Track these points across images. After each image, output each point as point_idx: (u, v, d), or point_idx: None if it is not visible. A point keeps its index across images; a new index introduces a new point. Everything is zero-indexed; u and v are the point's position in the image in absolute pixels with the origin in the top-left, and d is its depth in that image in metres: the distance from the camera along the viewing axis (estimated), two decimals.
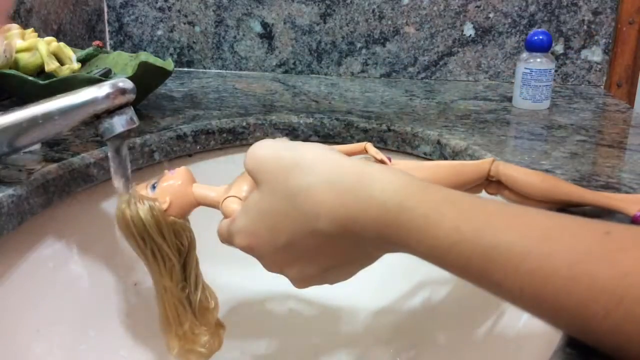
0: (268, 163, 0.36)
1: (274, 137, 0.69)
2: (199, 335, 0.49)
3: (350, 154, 0.44)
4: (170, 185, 0.45)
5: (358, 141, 0.69)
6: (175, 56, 0.99)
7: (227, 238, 0.41)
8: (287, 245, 0.36)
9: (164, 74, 0.68)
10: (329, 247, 0.35)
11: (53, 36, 0.70)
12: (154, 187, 0.45)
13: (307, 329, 0.63)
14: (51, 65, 0.66)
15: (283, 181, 0.35)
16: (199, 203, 0.45)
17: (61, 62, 0.68)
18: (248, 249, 0.39)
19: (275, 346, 0.62)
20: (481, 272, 0.29)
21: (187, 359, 0.49)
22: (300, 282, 0.39)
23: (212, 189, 0.45)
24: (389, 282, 0.64)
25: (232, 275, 0.65)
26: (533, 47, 0.76)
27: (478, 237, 0.29)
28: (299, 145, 0.36)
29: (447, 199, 0.31)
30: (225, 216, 0.42)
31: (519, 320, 0.47)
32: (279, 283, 0.67)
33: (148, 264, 0.46)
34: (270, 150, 0.37)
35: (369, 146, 0.46)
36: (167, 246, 0.45)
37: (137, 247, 0.46)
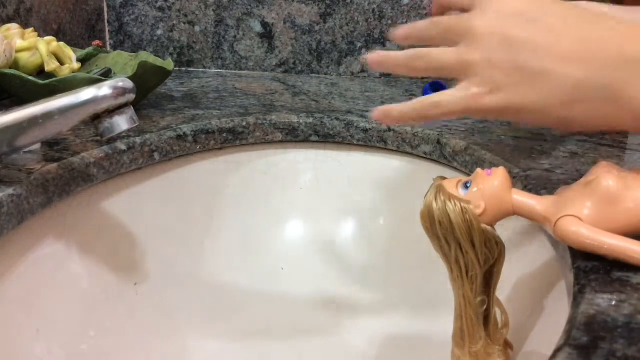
0: None
1: (273, 137, 0.69)
2: (492, 356, 0.44)
3: None
4: (487, 189, 0.39)
5: (358, 141, 0.69)
6: (175, 56, 0.99)
7: None
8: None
9: (164, 73, 0.68)
10: None
11: (53, 36, 0.70)
12: (465, 186, 0.40)
13: (305, 329, 0.63)
14: (51, 65, 0.66)
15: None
16: (516, 213, 0.40)
17: (61, 62, 0.68)
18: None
19: (273, 346, 0.62)
20: None
21: None
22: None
23: (534, 198, 0.40)
24: (389, 276, 0.64)
25: (232, 273, 0.65)
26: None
27: None
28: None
29: None
30: (560, 238, 0.37)
31: (519, 320, 0.47)
32: (278, 281, 0.67)
33: (449, 266, 0.43)
34: None
35: None
36: (474, 255, 0.41)
37: (440, 247, 0.42)
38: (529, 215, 0.39)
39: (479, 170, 0.41)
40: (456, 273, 0.42)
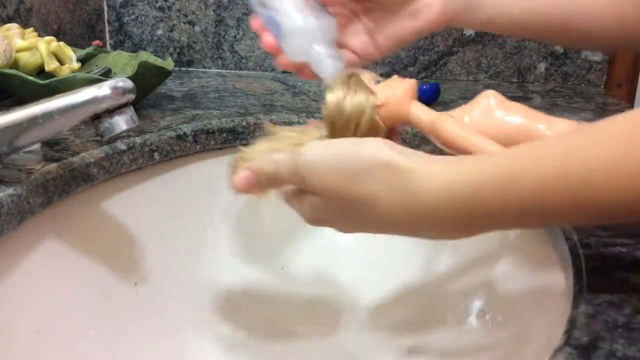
0: (327, 176, 0.36)
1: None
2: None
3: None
4: (393, 88, 0.44)
5: None
6: (175, 56, 0.99)
7: (289, 200, 0.41)
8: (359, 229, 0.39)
9: (163, 73, 0.68)
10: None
11: (53, 36, 0.70)
12: (377, 83, 0.44)
13: (305, 330, 0.63)
14: (51, 64, 0.66)
15: (346, 192, 0.35)
16: (410, 120, 0.44)
17: (61, 62, 0.68)
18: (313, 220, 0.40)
19: (276, 342, 0.62)
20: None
21: None
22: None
23: (427, 111, 0.44)
24: (389, 277, 0.64)
25: (232, 273, 0.65)
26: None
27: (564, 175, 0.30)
28: (353, 149, 0.36)
29: (512, 160, 0.32)
30: (436, 135, 0.42)
31: (519, 320, 0.47)
32: (278, 281, 0.67)
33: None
34: (327, 165, 0.36)
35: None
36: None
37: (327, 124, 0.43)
38: (417, 123, 0.44)
39: (395, 75, 0.45)
40: None
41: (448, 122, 0.41)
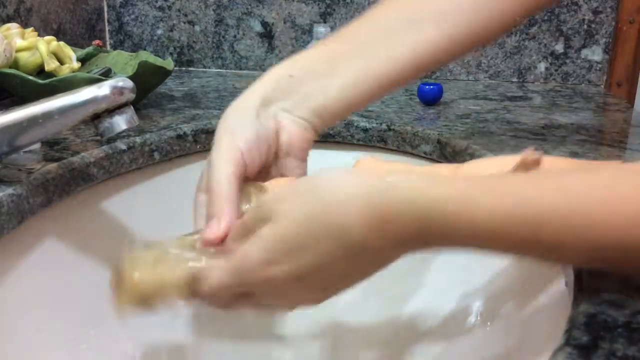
0: (294, 202, 0.35)
1: None
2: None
3: None
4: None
5: (358, 140, 0.69)
6: (175, 55, 0.99)
7: (237, 285, 0.38)
8: (314, 271, 0.35)
9: (163, 73, 0.68)
10: (360, 259, 0.35)
11: (53, 35, 0.70)
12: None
13: (304, 330, 0.63)
14: (51, 64, 0.66)
15: (302, 205, 0.34)
16: None
17: (61, 62, 0.68)
18: (266, 285, 0.36)
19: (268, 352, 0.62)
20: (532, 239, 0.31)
21: None
22: (317, 301, 0.39)
23: None
24: (386, 282, 0.64)
25: None
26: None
27: (521, 212, 0.30)
28: (315, 175, 0.36)
29: (478, 186, 0.32)
30: None
31: (519, 320, 0.47)
32: None
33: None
34: (294, 193, 0.36)
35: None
36: None
37: None
38: None
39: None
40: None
41: None
